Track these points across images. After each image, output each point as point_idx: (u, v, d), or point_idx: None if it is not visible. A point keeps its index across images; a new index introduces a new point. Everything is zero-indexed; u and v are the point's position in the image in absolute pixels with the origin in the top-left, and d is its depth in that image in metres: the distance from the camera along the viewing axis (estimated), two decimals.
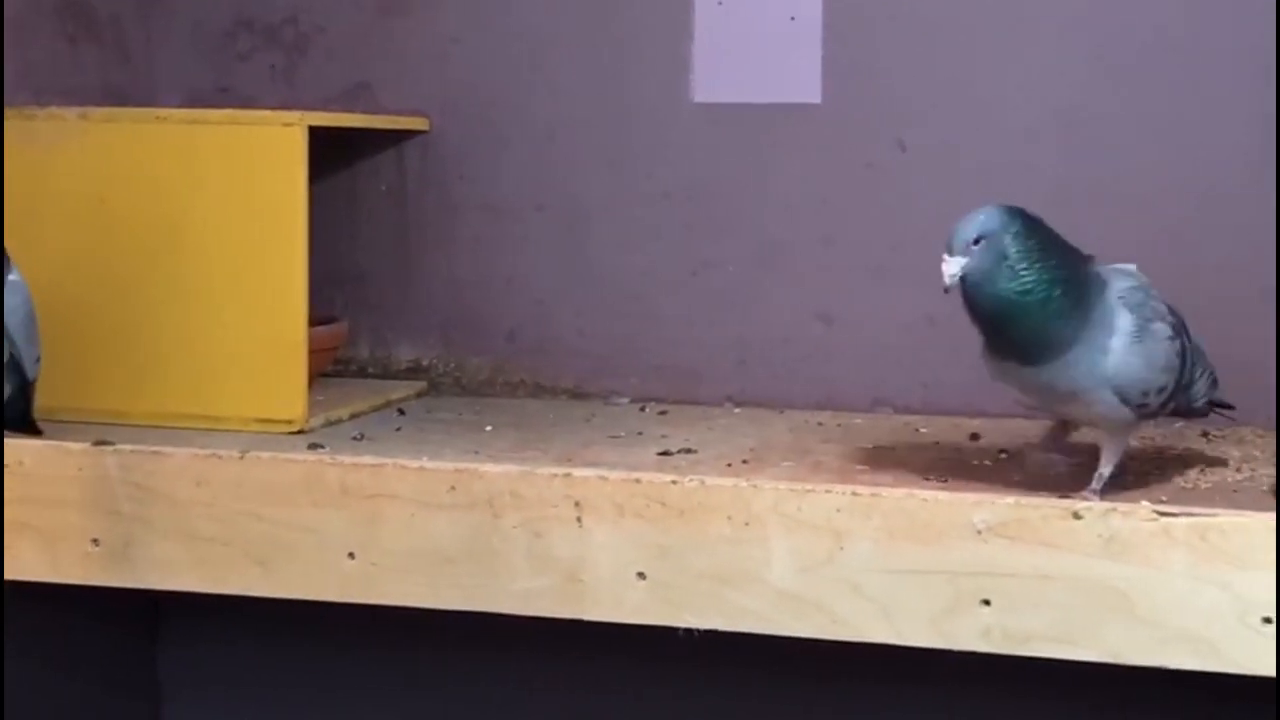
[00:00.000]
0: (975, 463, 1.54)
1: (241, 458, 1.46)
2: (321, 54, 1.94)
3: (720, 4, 1.83)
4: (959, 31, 1.77)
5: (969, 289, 1.34)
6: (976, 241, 1.33)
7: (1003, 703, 1.69)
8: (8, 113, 1.67)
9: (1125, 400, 1.36)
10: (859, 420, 1.76)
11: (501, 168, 1.91)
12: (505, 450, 1.57)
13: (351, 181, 1.95)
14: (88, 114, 1.67)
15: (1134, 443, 1.49)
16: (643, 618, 1.38)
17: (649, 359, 1.88)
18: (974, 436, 1.67)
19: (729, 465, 1.53)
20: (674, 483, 1.37)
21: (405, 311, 1.96)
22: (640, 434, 1.69)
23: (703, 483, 1.37)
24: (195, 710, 1.91)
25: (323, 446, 1.56)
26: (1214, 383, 1.47)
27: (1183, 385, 1.41)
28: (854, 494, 1.33)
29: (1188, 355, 1.41)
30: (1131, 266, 1.42)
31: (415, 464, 1.43)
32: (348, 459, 1.45)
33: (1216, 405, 1.49)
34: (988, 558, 1.30)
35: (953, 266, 1.33)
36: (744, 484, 1.37)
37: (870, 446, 1.61)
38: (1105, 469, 1.40)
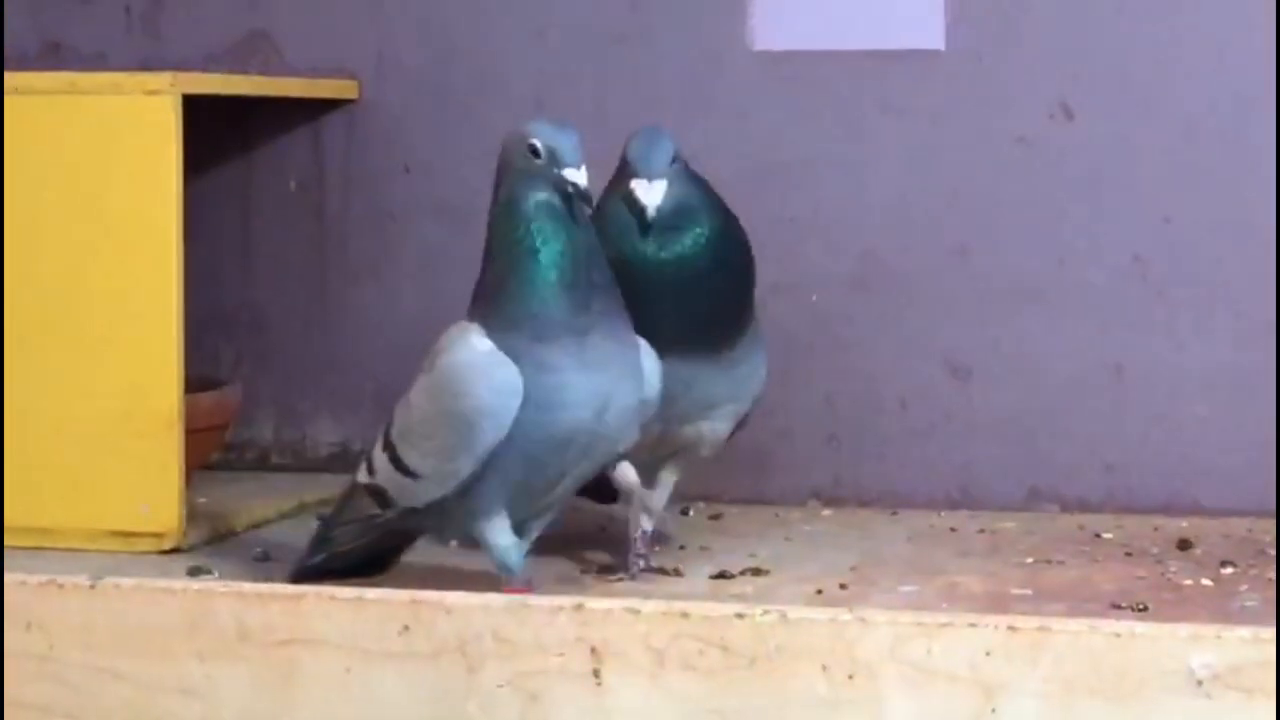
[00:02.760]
0: (1188, 582, 1.55)
1: (92, 588, 1.46)
2: None
3: None
4: None
5: (673, 219, 1.52)
6: (674, 160, 1.54)
7: None
8: None
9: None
10: (1011, 523, 1.77)
11: (466, 151, 1.90)
12: (482, 572, 1.57)
13: (245, 176, 1.96)
14: None
15: None
16: None
17: None
18: (1184, 544, 1.67)
19: (819, 592, 1.53)
20: (740, 617, 1.37)
21: (325, 371, 1.97)
22: (683, 547, 1.70)
23: (784, 616, 1.37)
24: None
25: (210, 572, 1.57)
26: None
27: None
28: (1010, 629, 1.34)
29: None
30: None
31: (350, 594, 1.43)
32: (248, 588, 1.45)
33: None
34: None
35: (654, 192, 1.50)
36: (846, 617, 1.36)
37: (1030, 561, 1.62)
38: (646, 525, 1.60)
